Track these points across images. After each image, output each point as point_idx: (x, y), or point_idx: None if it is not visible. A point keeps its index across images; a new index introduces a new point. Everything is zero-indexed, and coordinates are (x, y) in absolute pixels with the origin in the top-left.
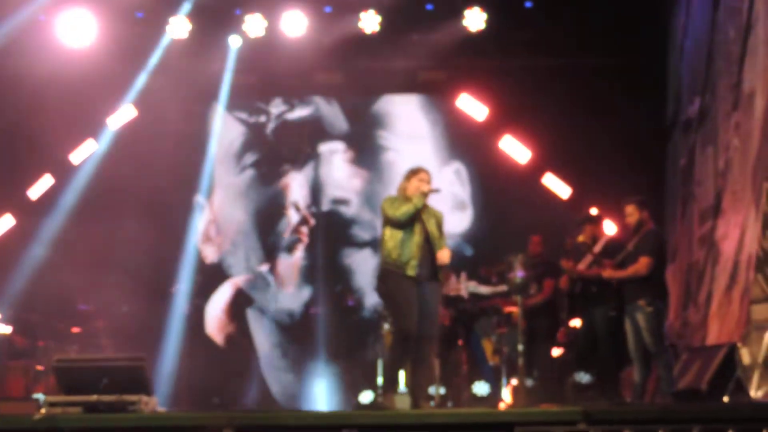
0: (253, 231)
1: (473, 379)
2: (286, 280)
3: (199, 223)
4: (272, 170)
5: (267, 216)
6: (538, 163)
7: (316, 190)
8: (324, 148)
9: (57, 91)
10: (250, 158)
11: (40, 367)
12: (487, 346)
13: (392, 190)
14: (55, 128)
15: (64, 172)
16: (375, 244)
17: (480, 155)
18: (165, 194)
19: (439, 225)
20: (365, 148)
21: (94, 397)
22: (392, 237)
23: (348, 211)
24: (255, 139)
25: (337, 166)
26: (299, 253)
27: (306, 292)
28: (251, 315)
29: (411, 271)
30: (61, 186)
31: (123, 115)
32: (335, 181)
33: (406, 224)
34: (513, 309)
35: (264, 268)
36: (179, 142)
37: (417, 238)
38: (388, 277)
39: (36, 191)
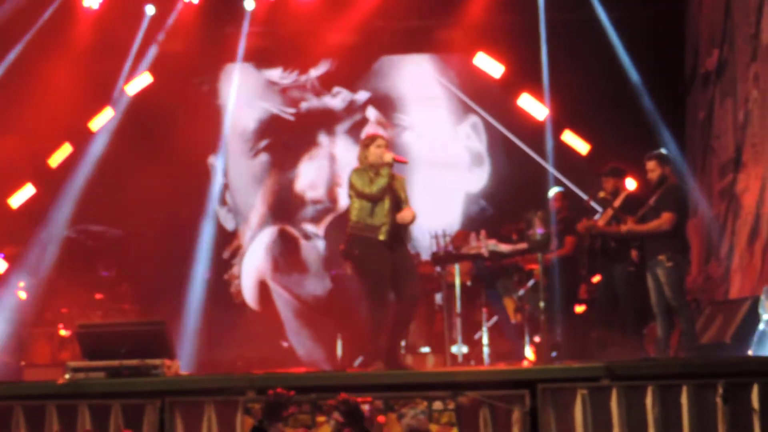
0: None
1: (495, 337)
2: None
3: (215, 187)
4: (287, 154)
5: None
6: (556, 119)
7: (331, 177)
8: (340, 129)
9: (74, 59)
10: (263, 139)
11: (65, 333)
12: (509, 305)
13: (411, 176)
14: (73, 96)
15: (83, 140)
16: None
17: (497, 112)
18: (183, 159)
19: (403, 189)
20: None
21: (117, 362)
22: (358, 204)
23: None
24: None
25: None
26: (320, 242)
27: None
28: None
29: (383, 236)
30: (81, 153)
31: (139, 81)
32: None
33: (379, 198)
34: (534, 266)
35: (311, 227)
36: (195, 106)
37: (387, 203)
38: (359, 241)
39: (56, 159)
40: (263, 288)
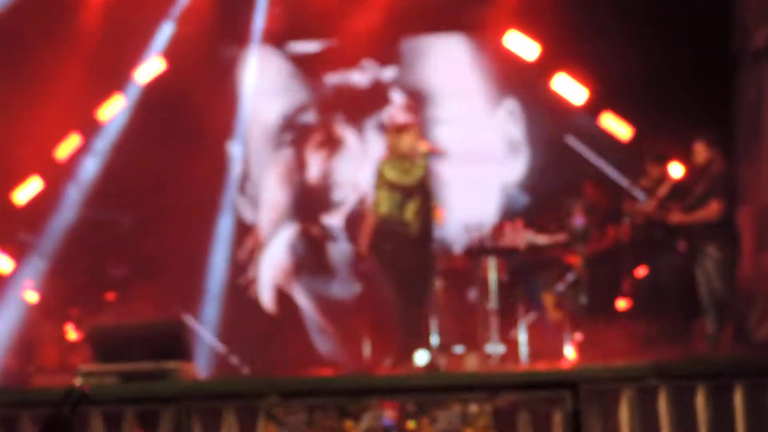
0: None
1: (533, 335)
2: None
3: (234, 175)
4: (311, 147)
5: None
6: (595, 102)
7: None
8: (369, 123)
9: (81, 44)
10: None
11: (75, 336)
12: (548, 300)
13: (443, 167)
14: (81, 84)
15: (91, 131)
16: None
17: (532, 95)
18: (199, 146)
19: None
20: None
21: (130, 366)
22: (389, 197)
23: None
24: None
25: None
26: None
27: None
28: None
29: (414, 232)
30: (89, 145)
31: (151, 67)
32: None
33: (415, 190)
34: (574, 259)
35: (334, 220)
36: (212, 92)
37: (419, 197)
38: (391, 236)
39: (63, 151)
40: (284, 288)
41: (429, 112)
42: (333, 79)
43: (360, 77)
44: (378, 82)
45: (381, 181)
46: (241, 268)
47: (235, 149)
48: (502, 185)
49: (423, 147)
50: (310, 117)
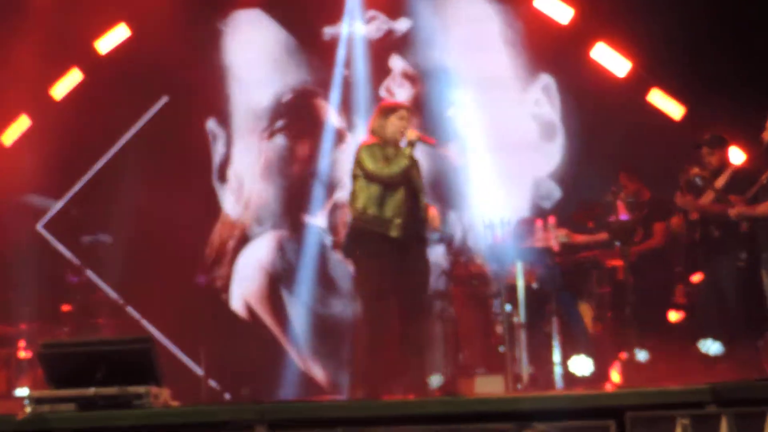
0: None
1: (569, 353)
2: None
3: (215, 157)
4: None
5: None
6: (641, 76)
7: None
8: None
9: (31, 12)
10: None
11: (24, 356)
12: (586, 312)
13: (471, 175)
14: (29, 59)
15: (43, 111)
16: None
17: (567, 68)
18: (172, 126)
19: (420, 176)
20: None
21: (90, 390)
22: (366, 189)
23: None
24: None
25: None
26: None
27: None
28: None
29: (395, 232)
30: (41, 128)
31: (113, 36)
32: None
33: (397, 182)
34: (617, 262)
35: (315, 220)
36: (188, 65)
37: (402, 192)
38: (364, 237)
39: (9, 136)
40: (271, 298)
41: (446, 91)
42: (333, 30)
43: (367, 27)
44: (390, 32)
45: (358, 169)
46: (208, 265)
47: (217, 129)
48: (534, 178)
49: (412, 135)
50: (306, 100)
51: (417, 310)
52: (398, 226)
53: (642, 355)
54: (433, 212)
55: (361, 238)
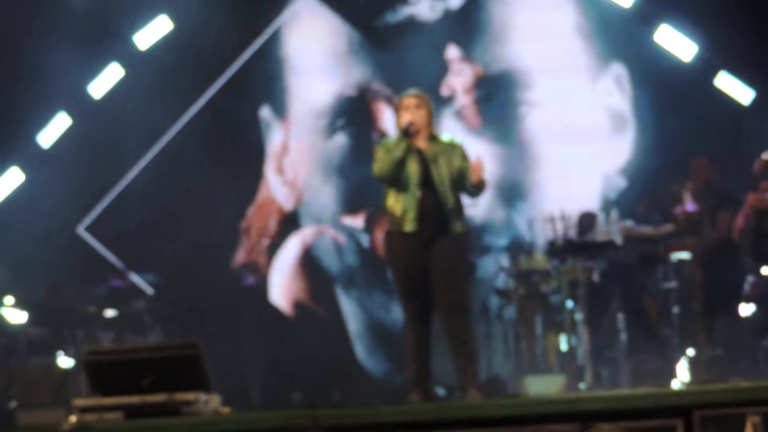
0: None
1: (634, 351)
2: None
3: (269, 146)
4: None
5: None
6: (708, 59)
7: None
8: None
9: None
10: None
11: (68, 364)
12: (652, 307)
13: (539, 170)
14: (70, 53)
15: (83, 109)
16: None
17: (633, 52)
18: (218, 119)
19: (456, 160)
20: (490, 105)
21: (137, 398)
22: (389, 190)
23: (474, 214)
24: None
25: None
26: None
27: None
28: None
29: (409, 226)
30: (80, 127)
31: (154, 29)
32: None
33: (393, 180)
34: (684, 255)
35: (353, 221)
36: (233, 56)
37: (412, 184)
38: (391, 239)
39: (48, 136)
40: (325, 298)
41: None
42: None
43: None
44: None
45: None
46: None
47: (272, 118)
48: (603, 172)
49: (403, 121)
50: (369, 98)
51: (456, 306)
52: (411, 219)
53: (711, 352)
54: (476, 163)
55: (389, 241)
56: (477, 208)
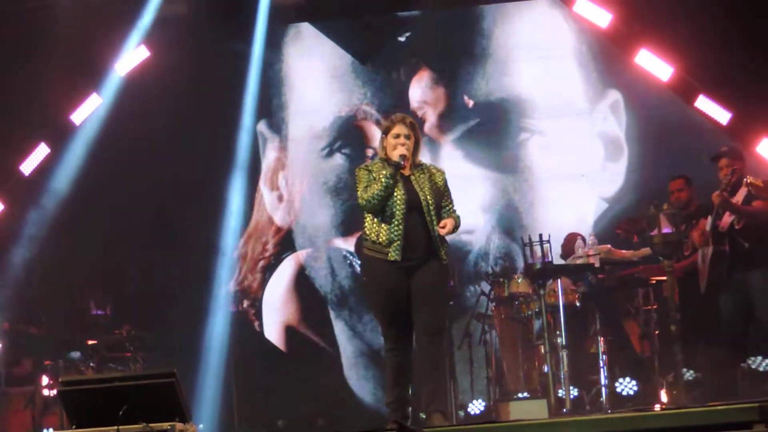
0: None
1: (615, 374)
2: None
3: (263, 161)
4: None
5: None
6: (686, 81)
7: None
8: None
9: (52, 33)
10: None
11: (48, 394)
12: (632, 330)
13: (537, 194)
14: (47, 85)
15: (62, 138)
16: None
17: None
18: (199, 146)
19: (439, 187)
20: (490, 129)
21: (113, 429)
22: (366, 213)
23: (471, 241)
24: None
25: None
26: None
27: None
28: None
29: (394, 255)
30: (60, 156)
31: (132, 57)
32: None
33: (378, 208)
34: (662, 277)
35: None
36: (213, 84)
37: (398, 211)
38: (367, 265)
39: (29, 165)
40: (317, 321)
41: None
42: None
43: None
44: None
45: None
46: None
47: (267, 131)
48: (598, 201)
49: (396, 154)
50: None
51: (436, 331)
52: (396, 248)
53: (689, 375)
54: (450, 223)
55: (365, 266)
56: (472, 234)
